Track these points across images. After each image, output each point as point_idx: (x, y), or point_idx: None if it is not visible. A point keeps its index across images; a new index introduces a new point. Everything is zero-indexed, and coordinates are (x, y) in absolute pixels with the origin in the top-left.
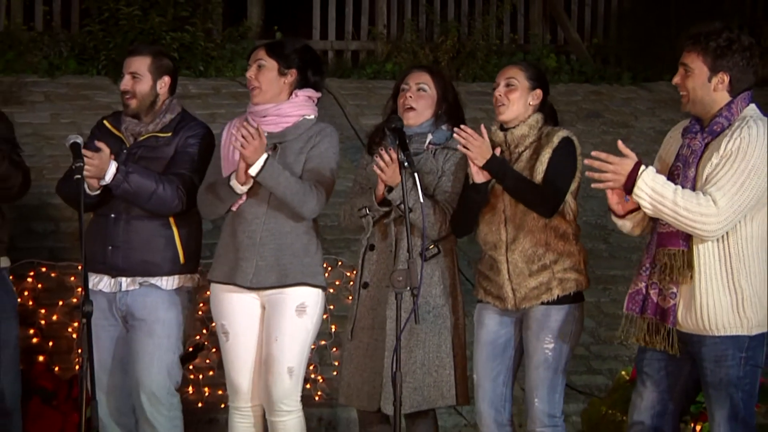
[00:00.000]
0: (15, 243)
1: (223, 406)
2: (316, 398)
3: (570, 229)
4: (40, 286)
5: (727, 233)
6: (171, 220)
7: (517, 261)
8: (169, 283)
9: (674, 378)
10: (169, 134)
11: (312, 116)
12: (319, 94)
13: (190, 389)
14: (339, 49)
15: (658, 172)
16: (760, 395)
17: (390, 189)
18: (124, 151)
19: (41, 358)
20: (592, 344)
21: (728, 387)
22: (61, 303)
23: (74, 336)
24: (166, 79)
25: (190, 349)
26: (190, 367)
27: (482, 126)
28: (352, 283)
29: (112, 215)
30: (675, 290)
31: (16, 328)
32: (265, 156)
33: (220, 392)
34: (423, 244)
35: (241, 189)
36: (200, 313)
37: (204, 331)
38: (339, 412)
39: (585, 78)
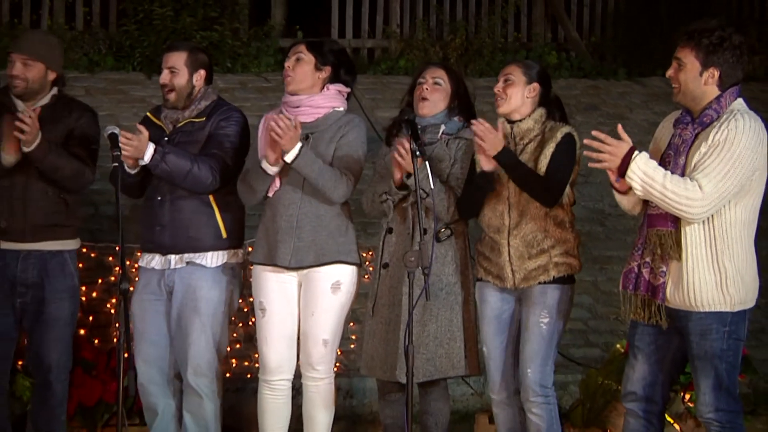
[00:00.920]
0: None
1: (249, 376)
2: (335, 369)
3: (567, 217)
4: (81, 265)
5: (712, 217)
6: (211, 198)
7: (518, 245)
8: (213, 260)
9: (664, 351)
10: (203, 119)
11: (341, 108)
12: (348, 90)
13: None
14: (356, 46)
15: (651, 158)
16: (743, 366)
17: (408, 175)
18: (165, 138)
19: (82, 332)
20: (589, 319)
21: (713, 359)
22: (100, 281)
23: (112, 311)
24: (202, 72)
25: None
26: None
27: (500, 122)
28: (368, 263)
29: (158, 198)
30: (664, 269)
31: (69, 308)
32: (299, 145)
33: (246, 364)
34: (435, 226)
35: (272, 170)
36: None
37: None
38: (356, 382)
39: (583, 73)
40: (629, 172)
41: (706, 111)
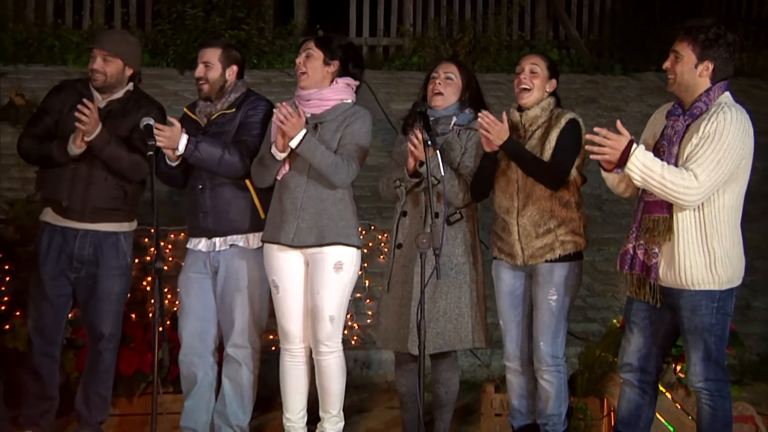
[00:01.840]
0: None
1: (273, 348)
2: (353, 342)
3: (573, 198)
4: None
5: (702, 203)
6: (248, 183)
7: (526, 224)
8: (254, 241)
9: (657, 325)
10: (234, 110)
11: (349, 100)
12: (357, 83)
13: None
14: (372, 44)
15: (646, 148)
16: (730, 339)
17: (421, 163)
18: (201, 131)
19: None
20: (588, 297)
21: (702, 332)
22: (137, 261)
23: (148, 289)
24: (234, 67)
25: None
26: None
27: (504, 113)
28: (383, 244)
29: (199, 186)
30: (657, 250)
31: (120, 284)
32: (303, 131)
33: (271, 337)
34: (445, 210)
35: (280, 155)
36: None
37: None
38: (372, 354)
39: (582, 69)
40: (629, 164)
41: (696, 103)
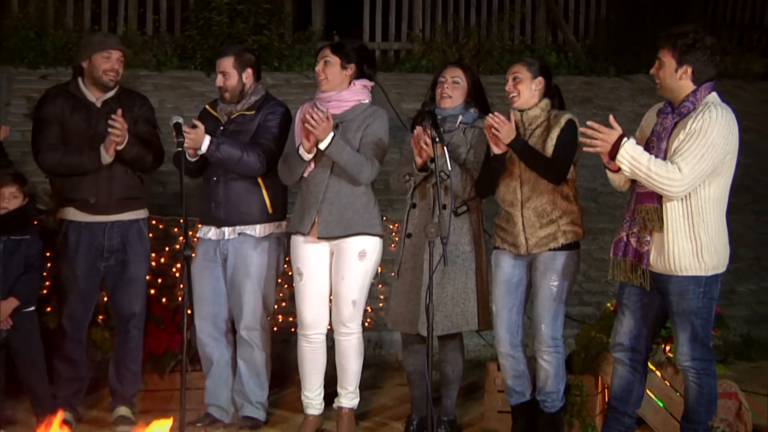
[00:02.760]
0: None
1: (293, 330)
2: (367, 324)
3: (571, 191)
4: (151, 235)
5: (689, 195)
6: (259, 179)
7: (530, 216)
8: (261, 231)
9: (647, 309)
10: (253, 112)
11: (366, 101)
12: (372, 83)
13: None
14: (384, 48)
15: (638, 143)
16: (715, 322)
17: (431, 159)
18: (220, 128)
19: (152, 291)
20: (584, 282)
21: (690, 315)
22: (167, 249)
23: (177, 274)
24: (249, 70)
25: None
26: None
27: (511, 113)
28: (394, 234)
29: (214, 178)
30: (649, 238)
31: (145, 267)
32: (332, 134)
33: (291, 319)
34: (452, 202)
35: (307, 156)
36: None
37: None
38: (384, 334)
39: (579, 71)
40: (619, 156)
41: (684, 103)
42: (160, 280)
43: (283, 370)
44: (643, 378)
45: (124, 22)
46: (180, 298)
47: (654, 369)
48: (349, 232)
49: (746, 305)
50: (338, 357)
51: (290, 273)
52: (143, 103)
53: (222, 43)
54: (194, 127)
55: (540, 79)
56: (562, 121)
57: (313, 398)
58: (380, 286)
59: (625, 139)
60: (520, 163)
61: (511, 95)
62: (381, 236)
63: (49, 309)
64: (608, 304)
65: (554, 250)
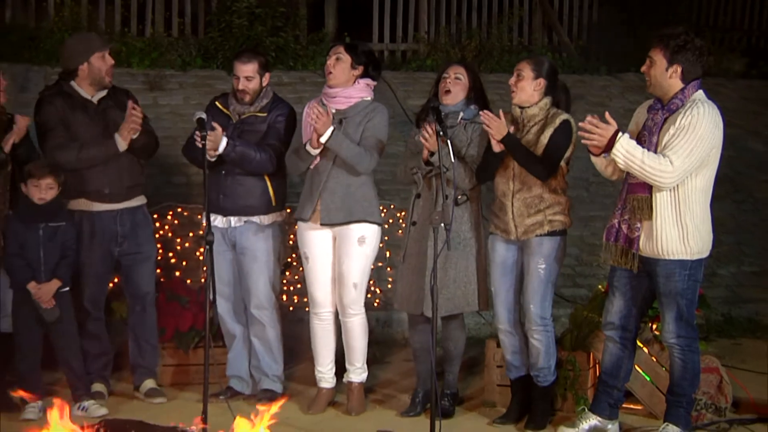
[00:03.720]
0: (159, 191)
1: (307, 309)
2: (375, 304)
3: (560, 185)
4: (176, 222)
5: (677, 185)
6: (264, 174)
7: (520, 206)
8: (264, 219)
9: (636, 290)
10: (265, 114)
11: (369, 98)
12: (375, 83)
13: (284, 297)
14: (392, 49)
15: (630, 137)
16: (699, 302)
17: (433, 153)
18: (231, 125)
19: (178, 273)
20: (576, 266)
21: (675, 296)
22: (191, 234)
23: (200, 258)
24: (267, 75)
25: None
26: (284, 281)
27: (501, 111)
28: (401, 221)
29: (223, 171)
30: (639, 225)
31: (154, 248)
32: (331, 128)
33: (305, 299)
34: (454, 193)
35: (314, 152)
36: (291, 242)
37: (294, 255)
38: (391, 314)
39: (572, 70)
40: (614, 150)
41: (673, 99)
42: (184, 263)
43: (298, 347)
44: (632, 354)
45: (151, 25)
46: (203, 279)
47: (642, 346)
48: (350, 219)
49: (727, 287)
50: (345, 336)
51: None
52: (131, 97)
53: (242, 45)
54: (213, 129)
55: (541, 80)
56: (557, 121)
57: (325, 372)
58: (388, 269)
59: (620, 134)
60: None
61: (511, 90)
62: (380, 224)
63: (69, 289)
64: (599, 286)
65: (541, 236)
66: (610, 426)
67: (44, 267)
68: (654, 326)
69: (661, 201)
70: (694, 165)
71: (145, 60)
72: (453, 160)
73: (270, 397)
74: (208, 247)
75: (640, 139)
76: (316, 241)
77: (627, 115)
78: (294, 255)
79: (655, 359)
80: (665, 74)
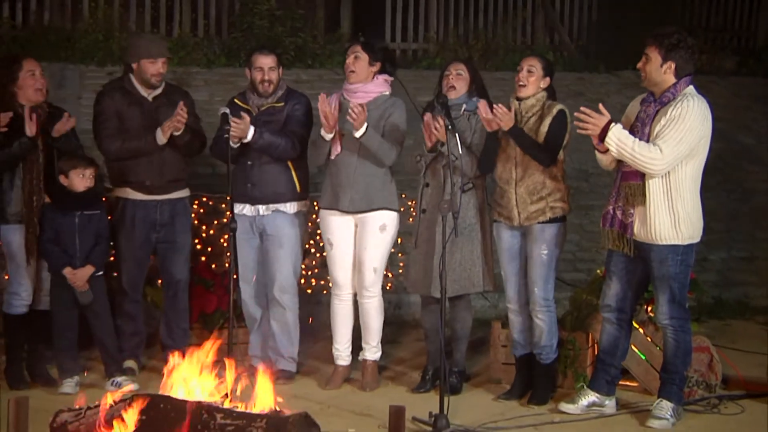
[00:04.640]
0: (186, 181)
1: (324, 292)
2: (388, 287)
3: (559, 173)
4: (202, 210)
5: (669, 173)
6: (289, 163)
7: (522, 193)
8: (291, 207)
9: (632, 274)
10: (282, 104)
11: (387, 93)
12: (392, 78)
13: (303, 281)
14: (404, 48)
15: (624, 128)
16: (690, 285)
17: (443, 143)
18: (252, 117)
19: (203, 259)
20: (577, 251)
21: (669, 279)
22: (216, 222)
23: (224, 244)
24: (281, 68)
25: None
26: (304, 265)
27: (511, 104)
28: (412, 209)
29: (249, 162)
30: (632, 211)
31: (190, 238)
32: (366, 124)
33: (322, 282)
34: (461, 181)
35: (328, 136)
36: (308, 230)
37: (311, 241)
38: (403, 297)
39: (573, 68)
40: (607, 138)
41: (665, 93)
42: (210, 249)
43: (317, 327)
44: (628, 334)
45: (179, 25)
46: (227, 265)
47: (637, 326)
48: (371, 207)
49: (717, 271)
50: (362, 317)
51: (321, 244)
52: (186, 97)
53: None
54: (241, 118)
55: (548, 79)
56: (554, 111)
57: (342, 350)
58: (400, 254)
59: (612, 123)
60: (516, 147)
61: (520, 84)
62: (398, 211)
63: (115, 274)
64: (597, 271)
65: (543, 223)
66: (607, 402)
67: (79, 253)
68: (649, 308)
69: (654, 188)
70: (683, 153)
71: (173, 58)
72: (461, 150)
73: (286, 376)
74: (232, 233)
75: (633, 130)
76: (340, 228)
77: (625, 111)
78: (312, 242)
79: (649, 339)
80: (659, 70)
